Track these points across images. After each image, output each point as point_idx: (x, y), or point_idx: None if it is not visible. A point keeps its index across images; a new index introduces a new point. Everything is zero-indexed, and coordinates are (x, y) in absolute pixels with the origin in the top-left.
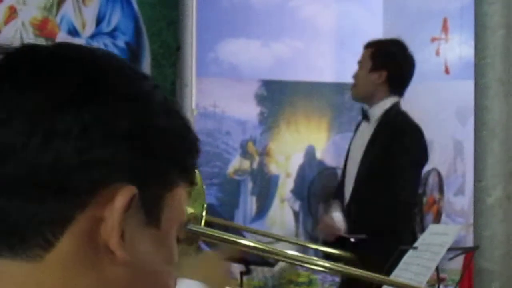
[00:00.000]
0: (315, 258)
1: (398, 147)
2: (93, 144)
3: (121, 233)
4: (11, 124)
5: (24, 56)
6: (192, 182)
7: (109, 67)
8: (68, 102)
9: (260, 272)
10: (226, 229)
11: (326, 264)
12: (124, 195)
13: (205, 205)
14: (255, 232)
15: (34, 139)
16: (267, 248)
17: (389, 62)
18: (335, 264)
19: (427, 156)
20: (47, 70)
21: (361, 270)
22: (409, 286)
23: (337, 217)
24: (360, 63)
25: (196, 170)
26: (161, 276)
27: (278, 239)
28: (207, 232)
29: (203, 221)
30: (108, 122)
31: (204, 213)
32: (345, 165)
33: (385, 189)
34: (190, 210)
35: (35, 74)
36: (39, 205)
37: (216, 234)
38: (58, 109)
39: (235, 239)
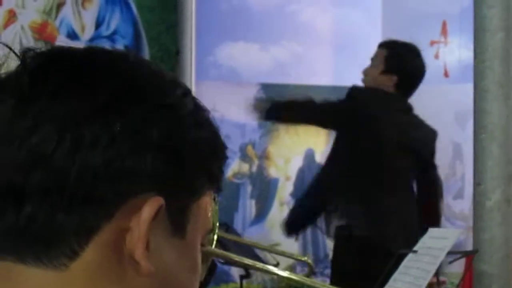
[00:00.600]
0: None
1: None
2: (121, 154)
3: (146, 244)
4: (40, 132)
5: (54, 62)
6: (219, 189)
7: (140, 75)
8: (98, 111)
9: (259, 276)
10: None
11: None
12: (151, 206)
13: (217, 225)
14: (264, 249)
15: (61, 147)
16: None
17: (402, 68)
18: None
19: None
20: (78, 78)
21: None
22: None
23: None
24: (373, 60)
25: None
26: (185, 285)
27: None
28: (219, 253)
29: (214, 243)
30: (137, 132)
31: (215, 237)
32: None
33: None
34: None
35: (65, 82)
36: (66, 214)
37: (228, 256)
38: (87, 118)
39: (240, 260)
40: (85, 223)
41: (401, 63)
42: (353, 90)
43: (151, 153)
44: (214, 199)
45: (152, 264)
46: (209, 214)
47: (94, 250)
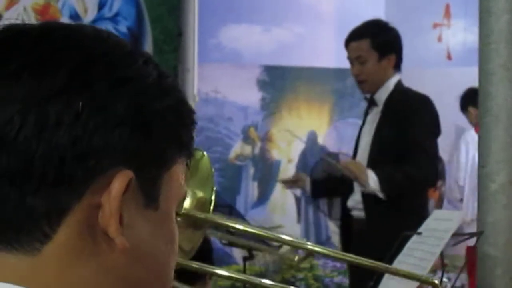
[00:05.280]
0: (317, 246)
1: (413, 122)
2: (87, 131)
3: (119, 219)
4: (3, 114)
5: (10, 42)
6: (190, 155)
7: (100, 48)
8: (59, 89)
9: (261, 258)
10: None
11: (326, 251)
12: (120, 181)
13: (214, 189)
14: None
15: (25, 129)
16: (271, 236)
17: (395, 44)
18: (336, 251)
19: (439, 125)
20: (37, 57)
21: (361, 258)
22: (411, 274)
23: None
24: (360, 58)
25: (205, 154)
26: (162, 257)
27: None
28: (214, 219)
29: (211, 206)
30: (101, 108)
31: (213, 198)
32: (354, 155)
33: (402, 167)
34: (199, 194)
35: (25, 62)
36: (35, 197)
37: (222, 222)
38: (49, 97)
39: (239, 226)
40: (56, 204)
41: (391, 40)
42: None
43: (118, 127)
44: (187, 165)
45: (127, 239)
46: (182, 182)
47: (66, 231)
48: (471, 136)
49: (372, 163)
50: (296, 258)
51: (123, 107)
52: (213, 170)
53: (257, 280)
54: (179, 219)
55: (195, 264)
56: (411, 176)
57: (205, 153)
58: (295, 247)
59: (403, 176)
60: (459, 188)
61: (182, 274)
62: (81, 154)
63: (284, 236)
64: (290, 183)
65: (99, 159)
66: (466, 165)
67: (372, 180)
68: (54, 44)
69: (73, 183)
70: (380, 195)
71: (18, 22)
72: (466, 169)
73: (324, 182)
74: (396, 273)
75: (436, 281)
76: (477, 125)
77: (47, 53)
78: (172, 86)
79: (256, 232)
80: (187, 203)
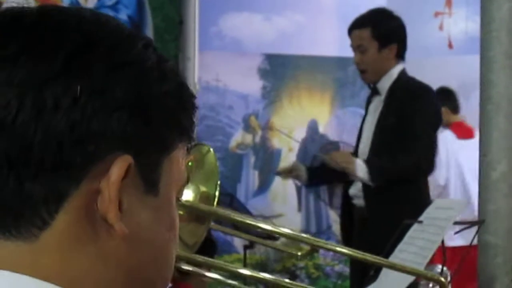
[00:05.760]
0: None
1: (413, 111)
2: (85, 116)
3: (118, 205)
4: (0, 99)
5: (7, 25)
6: (191, 140)
7: (98, 32)
8: (57, 73)
9: (262, 247)
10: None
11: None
12: (119, 166)
13: (218, 184)
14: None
15: (23, 113)
16: (277, 230)
17: (397, 33)
18: (339, 245)
19: (441, 116)
20: (35, 41)
21: (363, 252)
22: (417, 271)
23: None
24: (361, 46)
25: (211, 150)
26: (163, 244)
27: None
28: (218, 212)
29: (215, 201)
30: (100, 92)
31: (217, 193)
32: (357, 144)
33: (403, 156)
34: (203, 188)
35: (23, 46)
36: (33, 183)
37: (225, 214)
38: (47, 81)
39: (243, 220)
40: (54, 190)
41: (392, 29)
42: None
43: (117, 112)
44: (188, 150)
45: (126, 226)
46: (182, 168)
47: (65, 218)
48: (446, 137)
49: (374, 152)
50: (299, 253)
51: (122, 91)
52: (218, 165)
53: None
54: (181, 212)
55: (200, 258)
56: (402, 166)
57: (211, 148)
58: (296, 240)
59: (393, 166)
60: (439, 188)
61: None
62: (79, 139)
63: (287, 230)
64: (286, 174)
65: (98, 144)
66: (447, 164)
67: (361, 170)
68: (52, 28)
69: (71, 169)
70: (370, 183)
71: (16, 5)
72: (449, 169)
73: (324, 168)
74: (403, 269)
75: (443, 279)
76: (451, 126)
77: (45, 37)
78: (172, 70)
79: (263, 227)
80: (191, 197)
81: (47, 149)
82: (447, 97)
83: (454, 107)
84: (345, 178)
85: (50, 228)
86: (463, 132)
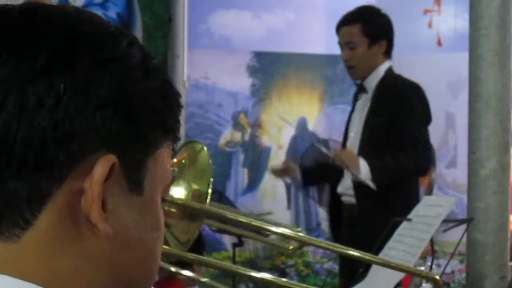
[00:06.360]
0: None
1: (403, 110)
2: (68, 114)
3: (102, 205)
4: None
5: None
6: (176, 138)
7: (82, 29)
8: (40, 71)
9: (251, 244)
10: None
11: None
12: (103, 165)
13: (211, 182)
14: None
15: (5, 112)
16: (267, 227)
17: (386, 30)
18: (329, 243)
19: (430, 113)
20: (17, 38)
21: (353, 249)
22: (412, 270)
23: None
24: (350, 43)
25: (205, 148)
26: (148, 244)
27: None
28: (211, 210)
29: (208, 199)
30: (83, 90)
31: (210, 191)
32: (344, 143)
33: (394, 154)
34: (195, 186)
35: (3, 43)
36: (16, 182)
37: (218, 212)
38: (29, 79)
39: (235, 217)
40: (37, 189)
41: (382, 26)
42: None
43: (100, 110)
44: (173, 149)
45: (111, 226)
46: (168, 167)
47: (48, 217)
48: None
49: (363, 151)
50: (291, 247)
51: (106, 89)
52: (210, 162)
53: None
54: (174, 210)
55: (191, 256)
56: (404, 166)
57: (204, 147)
58: (287, 238)
59: (396, 166)
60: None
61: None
62: (62, 137)
63: (281, 229)
64: (280, 173)
65: (81, 143)
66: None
67: (364, 170)
68: (35, 25)
69: (54, 168)
70: (371, 184)
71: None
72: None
73: (314, 169)
74: (398, 268)
75: (438, 277)
76: None
77: (28, 34)
78: (157, 68)
79: (257, 224)
80: (183, 194)
81: (29, 147)
82: None
83: None
84: (335, 177)
85: (33, 228)
86: None
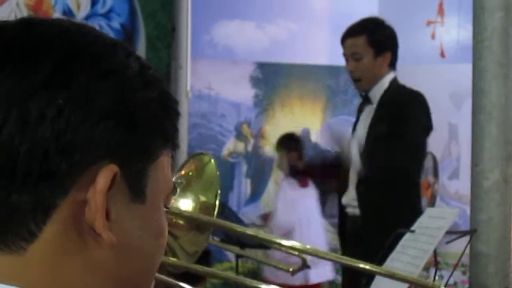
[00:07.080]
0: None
1: (403, 117)
2: (70, 126)
3: (106, 214)
4: None
5: None
6: (175, 146)
7: (80, 42)
8: (41, 84)
9: (254, 254)
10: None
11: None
12: (105, 175)
13: (218, 194)
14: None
15: (8, 125)
16: (275, 240)
17: (390, 41)
18: (334, 254)
19: (431, 121)
20: (18, 53)
21: (357, 260)
22: (416, 280)
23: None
24: (356, 54)
25: (212, 160)
26: (150, 252)
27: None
28: (218, 222)
29: (215, 211)
30: (84, 102)
31: (217, 202)
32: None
33: (394, 163)
34: (203, 198)
35: (6, 59)
36: (20, 194)
37: (226, 225)
38: (32, 93)
39: (244, 231)
40: (42, 201)
41: (387, 37)
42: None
43: (101, 121)
44: (172, 157)
45: (115, 235)
46: (168, 174)
47: (53, 229)
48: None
49: (365, 159)
50: (291, 269)
51: (106, 100)
52: (218, 174)
53: None
54: (181, 222)
55: (199, 268)
56: (394, 163)
57: (212, 159)
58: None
59: (388, 159)
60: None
61: (185, 274)
62: (65, 148)
63: (294, 243)
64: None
65: (84, 153)
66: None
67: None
68: (34, 39)
69: (58, 179)
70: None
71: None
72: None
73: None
74: (402, 279)
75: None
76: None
77: (28, 49)
78: (155, 78)
79: (265, 237)
80: (190, 207)
81: (33, 160)
82: (289, 141)
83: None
84: (341, 189)
85: (38, 240)
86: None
